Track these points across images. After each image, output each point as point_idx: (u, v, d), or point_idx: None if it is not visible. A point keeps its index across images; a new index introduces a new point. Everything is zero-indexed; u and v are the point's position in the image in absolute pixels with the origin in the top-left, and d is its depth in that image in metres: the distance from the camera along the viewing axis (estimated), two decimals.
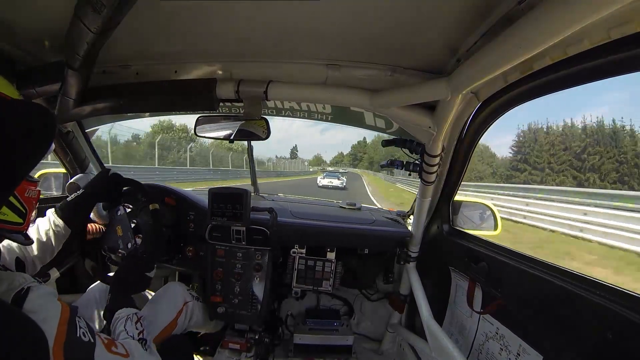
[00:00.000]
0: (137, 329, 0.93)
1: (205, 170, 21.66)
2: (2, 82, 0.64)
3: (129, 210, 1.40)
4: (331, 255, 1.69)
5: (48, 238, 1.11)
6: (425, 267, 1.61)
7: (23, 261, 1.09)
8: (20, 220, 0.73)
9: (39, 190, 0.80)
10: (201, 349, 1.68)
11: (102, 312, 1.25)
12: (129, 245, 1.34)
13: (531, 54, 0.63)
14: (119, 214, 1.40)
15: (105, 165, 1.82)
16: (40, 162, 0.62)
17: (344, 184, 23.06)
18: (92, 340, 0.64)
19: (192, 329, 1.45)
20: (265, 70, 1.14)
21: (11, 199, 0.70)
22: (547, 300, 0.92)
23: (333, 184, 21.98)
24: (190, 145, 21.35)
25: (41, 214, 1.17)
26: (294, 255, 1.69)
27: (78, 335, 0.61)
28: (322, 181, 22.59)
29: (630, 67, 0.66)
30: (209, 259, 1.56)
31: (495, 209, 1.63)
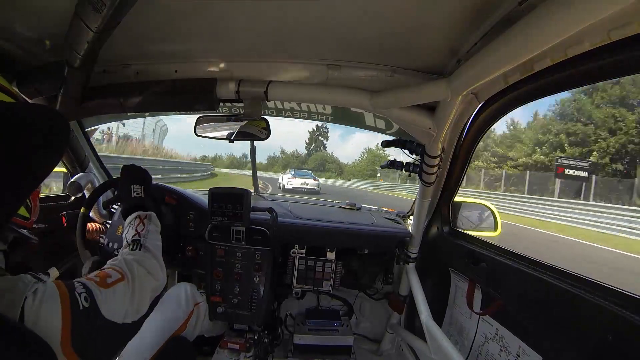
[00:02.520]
0: (136, 230, 0.93)
1: None
2: (6, 83, 0.64)
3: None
4: (331, 256, 1.69)
5: None
6: (425, 268, 1.61)
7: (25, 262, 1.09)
8: (28, 215, 0.74)
9: (40, 186, 0.81)
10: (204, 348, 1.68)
11: None
12: None
13: (531, 55, 0.63)
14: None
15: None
16: None
17: (320, 186, 18.31)
18: (92, 299, 0.64)
19: (204, 333, 1.46)
20: (265, 70, 1.14)
21: None
22: (547, 302, 0.92)
23: (308, 186, 17.05)
24: None
25: (42, 213, 1.18)
26: (294, 255, 1.69)
27: (81, 307, 0.61)
28: (292, 182, 17.20)
29: (631, 68, 0.66)
30: (208, 259, 1.56)
31: (495, 209, 1.63)
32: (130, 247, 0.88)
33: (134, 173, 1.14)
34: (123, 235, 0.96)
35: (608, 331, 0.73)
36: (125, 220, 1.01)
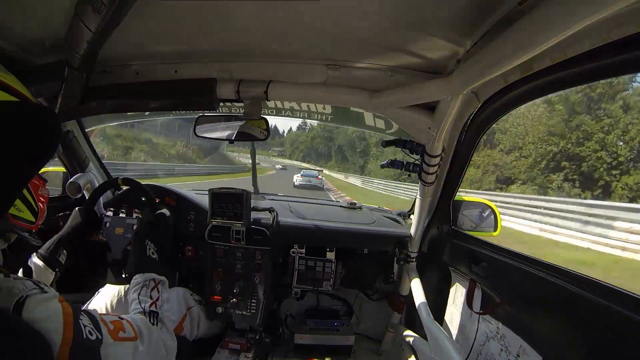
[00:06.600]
0: (151, 297, 0.92)
1: None
2: (15, 80, 0.64)
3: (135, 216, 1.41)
4: (331, 255, 1.69)
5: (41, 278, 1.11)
6: (425, 267, 1.61)
7: (31, 267, 1.09)
8: (33, 219, 0.73)
9: (48, 190, 0.81)
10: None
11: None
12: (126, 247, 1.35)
13: (531, 54, 0.63)
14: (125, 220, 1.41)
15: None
16: None
17: (322, 184, 21.89)
18: (99, 337, 0.63)
19: (204, 334, 1.47)
20: (265, 70, 1.14)
21: (27, 196, 0.71)
22: (548, 301, 0.92)
23: (311, 183, 20.79)
24: None
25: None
26: (294, 255, 1.69)
27: (85, 336, 0.60)
28: (299, 179, 21.30)
29: (631, 68, 0.66)
30: (208, 259, 1.56)
31: (496, 208, 1.62)
32: (150, 319, 0.88)
33: (155, 227, 1.12)
34: (132, 292, 0.94)
35: (608, 330, 0.73)
36: (135, 276, 0.99)
